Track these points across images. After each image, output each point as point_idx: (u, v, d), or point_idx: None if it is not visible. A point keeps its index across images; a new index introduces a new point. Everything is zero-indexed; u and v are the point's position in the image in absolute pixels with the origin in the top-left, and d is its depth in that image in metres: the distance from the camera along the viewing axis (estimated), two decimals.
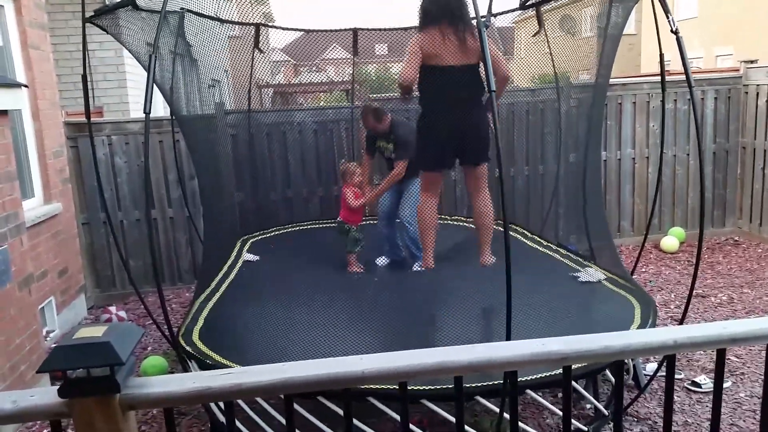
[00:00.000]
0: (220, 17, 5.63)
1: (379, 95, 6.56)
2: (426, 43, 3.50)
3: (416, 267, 4.88)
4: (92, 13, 3.85)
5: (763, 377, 1.50)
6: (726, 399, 3.60)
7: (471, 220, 5.78)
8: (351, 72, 7.18)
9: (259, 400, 2.99)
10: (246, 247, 5.63)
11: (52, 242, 5.07)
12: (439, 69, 3.46)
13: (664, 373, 3.34)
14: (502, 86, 3.67)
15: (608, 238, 4.83)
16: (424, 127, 3.61)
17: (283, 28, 6.64)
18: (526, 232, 5.48)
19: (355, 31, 6.61)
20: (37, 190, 5.11)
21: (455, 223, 6.09)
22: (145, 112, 3.06)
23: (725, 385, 3.76)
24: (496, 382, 2.75)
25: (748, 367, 3.97)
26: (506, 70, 3.61)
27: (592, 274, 4.29)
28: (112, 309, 5.60)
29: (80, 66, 3.89)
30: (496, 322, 3.33)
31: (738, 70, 6.88)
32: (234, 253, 5.37)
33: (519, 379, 2.71)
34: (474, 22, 3.67)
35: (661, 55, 3.94)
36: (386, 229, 5.15)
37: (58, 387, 1.25)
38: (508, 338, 2.62)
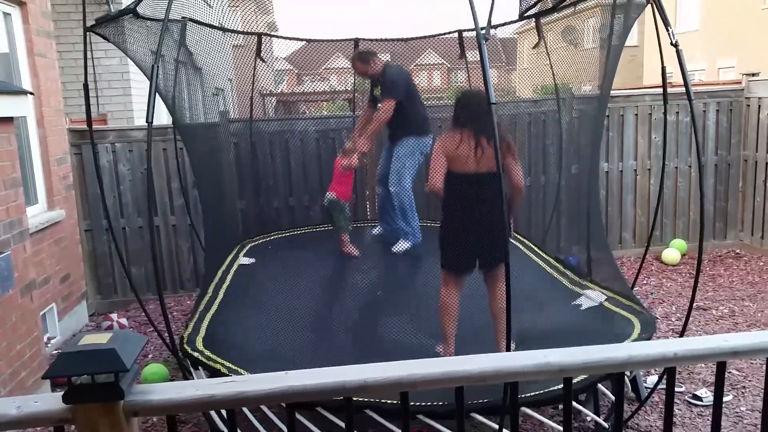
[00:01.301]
0: (223, 26, 5.67)
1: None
2: (450, 147, 3.49)
3: (399, 247, 4.78)
4: (94, 22, 3.88)
5: (764, 391, 1.50)
6: (727, 413, 3.59)
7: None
8: (353, 81, 7.21)
9: (263, 407, 3.00)
10: (243, 251, 5.64)
11: (54, 249, 5.09)
12: (462, 177, 3.43)
13: (664, 386, 3.34)
14: (518, 196, 3.65)
15: (607, 251, 4.81)
16: (447, 231, 3.61)
17: (286, 38, 6.68)
18: (527, 242, 5.48)
19: (356, 42, 6.65)
20: (40, 196, 5.13)
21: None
22: (147, 121, 3.08)
23: (726, 398, 3.75)
24: (493, 399, 2.75)
25: (750, 380, 3.96)
26: (521, 180, 3.59)
27: (592, 297, 4.26)
28: (114, 316, 5.60)
29: (84, 74, 3.91)
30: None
31: (740, 82, 6.90)
32: (230, 258, 5.38)
33: (522, 395, 2.74)
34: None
35: (663, 68, 3.96)
36: (382, 191, 5.07)
37: (62, 393, 1.26)
38: (507, 350, 2.62)
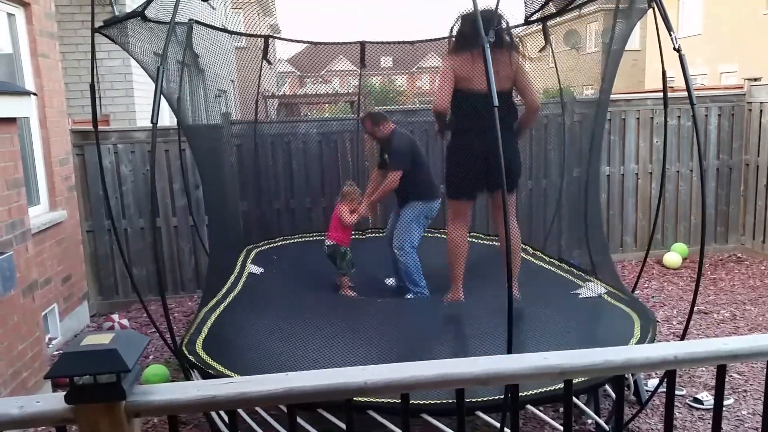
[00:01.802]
0: (228, 29, 5.69)
1: (384, 107, 6.59)
2: (459, 66, 3.40)
3: (408, 296, 4.85)
4: (101, 24, 3.90)
5: (765, 394, 1.50)
6: (728, 416, 3.59)
7: (481, 235, 5.79)
8: (356, 84, 7.23)
9: (260, 411, 3.00)
10: (250, 258, 5.65)
11: (56, 249, 5.10)
12: (471, 94, 3.35)
13: (665, 389, 3.34)
14: (533, 116, 3.61)
15: (606, 255, 4.83)
16: (454, 152, 3.51)
17: (292, 40, 6.70)
18: (528, 247, 5.48)
19: (362, 44, 6.66)
20: (42, 197, 5.14)
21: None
22: (152, 122, 3.09)
23: (727, 402, 3.75)
24: (496, 397, 2.76)
25: (751, 384, 3.96)
26: (536, 100, 3.54)
27: (592, 288, 4.29)
28: (115, 317, 5.61)
29: (88, 74, 3.95)
30: (496, 337, 3.33)
31: (742, 87, 6.91)
32: (239, 264, 5.39)
33: (522, 394, 2.74)
34: (506, 39, 3.67)
35: (664, 72, 3.97)
36: (391, 253, 5.09)
37: (64, 393, 1.27)
38: (509, 352, 2.62)
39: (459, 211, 3.51)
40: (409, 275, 4.83)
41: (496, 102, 2.68)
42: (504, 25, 3.67)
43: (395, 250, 4.89)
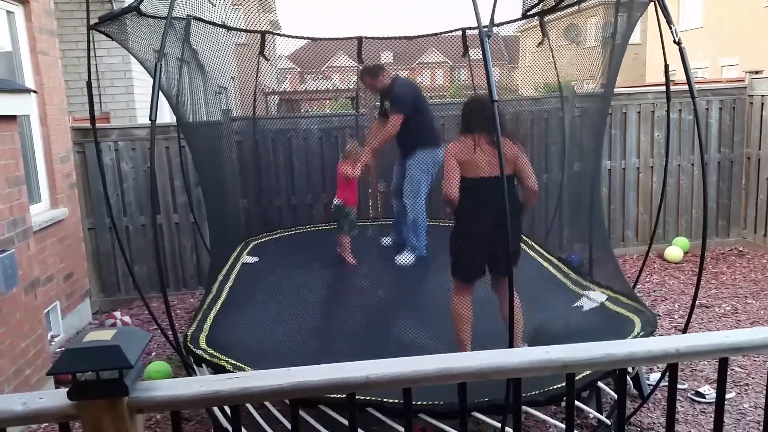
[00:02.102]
0: (227, 24, 5.68)
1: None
2: (461, 152, 3.45)
3: (402, 259, 4.80)
4: (97, 20, 3.89)
5: (767, 387, 1.51)
6: (730, 410, 3.59)
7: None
8: (356, 80, 7.22)
9: (267, 404, 3.01)
10: (247, 250, 5.65)
11: (58, 247, 5.10)
12: (472, 182, 3.39)
13: (667, 383, 3.34)
14: (533, 199, 3.63)
15: (608, 249, 4.82)
16: (460, 237, 3.57)
17: (290, 36, 6.69)
18: (529, 241, 5.48)
19: (360, 40, 6.65)
20: (43, 194, 5.15)
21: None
22: (150, 119, 3.09)
23: (729, 396, 3.75)
24: (496, 399, 2.76)
25: (753, 378, 3.96)
26: (535, 183, 3.56)
27: (592, 297, 4.26)
28: (117, 314, 5.62)
29: (87, 72, 3.92)
30: (497, 336, 3.33)
31: (743, 80, 6.89)
32: (233, 256, 5.39)
33: (524, 394, 2.74)
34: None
35: (666, 66, 3.95)
36: (397, 205, 5.07)
37: (67, 389, 1.27)
38: (510, 347, 2.62)
39: (463, 288, 3.57)
40: (416, 225, 4.83)
41: (495, 96, 2.67)
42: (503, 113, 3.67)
43: (405, 201, 4.86)
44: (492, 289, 3.59)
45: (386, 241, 5.13)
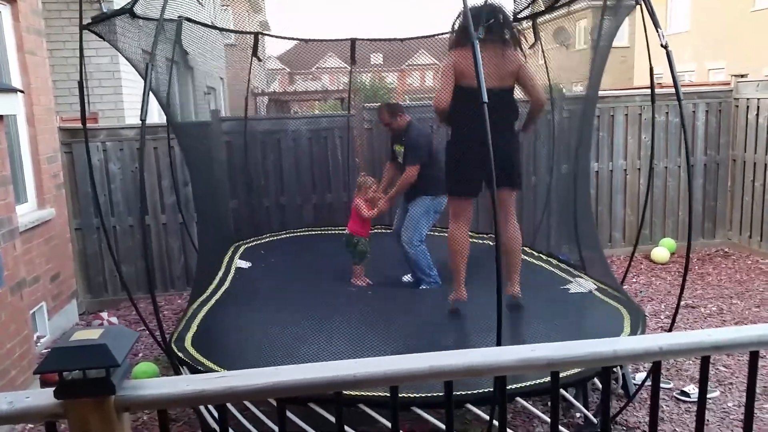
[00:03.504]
0: (217, 26, 5.67)
1: (373, 104, 6.60)
2: (458, 61, 3.36)
3: (423, 286, 4.87)
4: (89, 20, 3.88)
5: (747, 385, 1.53)
6: (714, 408, 3.63)
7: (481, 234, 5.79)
8: (346, 81, 7.23)
9: (251, 407, 3.01)
10: (238, 254, 5.65)
11: (44, 247, 5.07)
12: (470, 90, 3.23)
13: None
14: (538, 112, 3.59)
15: (597, 248, 4.87)
16: (453, 149, 3.49)
17: (282, 38, 6.69)
18: None
19: (353, 41, 6.66)
20: (30, 195, 5.11)
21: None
22: (141, 119, 3.08)
23: (714, 395, 3.79)
24: (486, 390, 2.78)
25: (737, 377, 4.00)
26: (542, 95, 3.52)
27: (582, 284, 4.33)
28: (104, 315, 5.59)
29: (76, 72, 3.92)
30: (485, 332, 3.36)
31: (729, 83, 6.96)
32: (226, 260, 5.39)
33: (511, 387, 2.77)
34: (506, 36, 3.63)
35: (651, 69, 4.00)
36: (400, 247, 5.09)
37: (53, 389, 1.27)
38: (498, 345, 2.64)
39: (460, 209, 3.50)
40: (420, 268, 4.86)
41: (485, 98, 2.69)
42: (503, 20, 3.65)
43: (404, 246, 4.90)
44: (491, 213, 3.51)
45: (407, 278, 5.14)
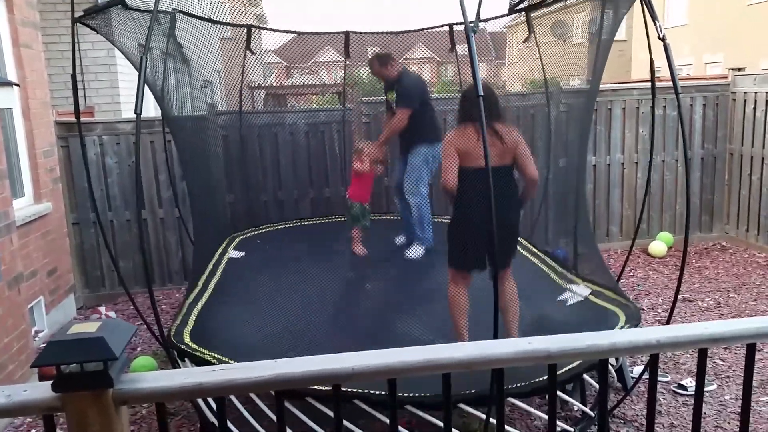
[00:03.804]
0: (212, 18, 5.64)
1: (370, 98, 6.59)
2: (460, 141, 3.39)
3: (412, 253, 4.86)
4: (81, 13, 3.85)
5: (744, 377, 1.54)
6: (711, 402, 3.65)
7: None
8: (343, 74, 7.21)
9: (255, 399, 3.01)
10: (233, 245, 5.65)
11: (41, 242, 5.06)
12: (473, 170, 3.31)
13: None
14: (533, 188, 3.62)
15: (593, 245, 4.86)
16: (457, 226, 3.55)
17: (276, 30, 6.66)
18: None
19: (347, 34, 6.64)
20: (27, 189, 5.10)
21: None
22: (136, 113, 3.07)
23: (711, 388, 3.80)
24: (481, 390, 2.78)
25: (734, 370, 4.02)
26: (535, 172, 3.54)
27: (577, 291, 4.30)
28: (102, 309, 5.59)
29: (71, 65, 3.88)
30: (482, 328, 3.35)
31: (726, 77, 6.96)
32: (219, 251, 5.38)
33: (508, 387, 2.77)
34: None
35: (652, 62, 3.99)
36: (400, 202, 5.10)
37: (51, 382, 1.27)
38: (495, 338, 2.65)
39: (459, 277, 3.56)
40: (420, 218, 4.89)
41: (480, 91, 2.69)
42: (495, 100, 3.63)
43: (408, 196, 4.91)
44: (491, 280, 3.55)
45: (400, 239, 5.13)
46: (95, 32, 3.99)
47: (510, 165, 3.50)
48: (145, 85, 3.26)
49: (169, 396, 1.36)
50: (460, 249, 3.53)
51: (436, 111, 5.22)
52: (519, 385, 2.86)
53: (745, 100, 6.60)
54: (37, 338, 4.76)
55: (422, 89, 4.98)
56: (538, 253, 5.20)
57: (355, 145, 5.39)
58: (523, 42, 5.79)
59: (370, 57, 5.20)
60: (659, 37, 3.07)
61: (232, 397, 2.96)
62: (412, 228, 5.17)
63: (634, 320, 3.65)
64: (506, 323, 3.53)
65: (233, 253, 5.34)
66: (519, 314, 3.60)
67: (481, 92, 2.70)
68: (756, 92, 6.43)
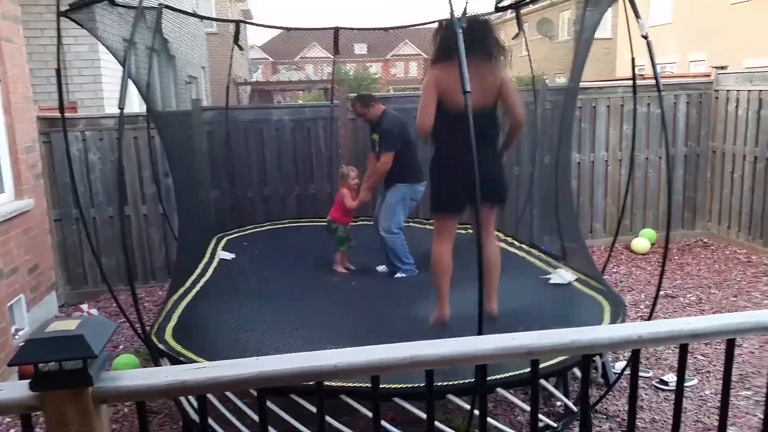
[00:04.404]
0: (198, 14, 5.60)
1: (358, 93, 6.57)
2: (443, 79, 3.28)
3: (399, 275, 4.91)
4: (67, 7, 3.80)
5: (723, 372, 1.55)
6: (692, 396, 3.69)
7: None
8: (330, 71, 7.19)
9: (232, 398, 3.00)
10: (221, 245, 5.62)
11: (23, 238, 4.99)
12: (453, 107, 3.21)
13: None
14: (518, 132, 3.57)
15: (579, 238, 4.90)
16: (437, 167, 3.46)
17: (264, 26, 6.63)
18: (500, 234, 5.53)
19: (336, 30, 6.61)
20: (8, 185, 5.03)
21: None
22: (119, 108, 3.04)
23: (692, 383, 3.85)
24: (467, 381, 2.79)
25: (714, 365, 4.06)
26: (521, 115, 3.49)
27: (562, 275, 4.36)
28: (84, 307, 5.53)
29: (54, 60, 3.83)
30: (467, 321, 3.36)
31: (709, 75, 7.03)
32: (209, 251, 5.35)
33: (493, 377, 2.78)
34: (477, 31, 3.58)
35: (633, 60, 4.02)
36: (378, 235, 5.11)
37: (29, 380, 1.25)
38: (479, 334, 2.65)
39: (443, 226, 3.49)
40: (396, 256, 4.92)
41: (467, 87, 2.68)
42: (486, 30, 3.60)
43: (381, 233, 4.95)
44: (472, 227, 3.48)
45: (382, 268, 5.16)
46: (80, 27, 3.94)
47: (492, 107, 3.41)
48: (129, 81, 3.23)
49: (150, 394, 1.34)
50: (443, 191, 3.46)
51: (417, 153, 5.20)
52: (504, 375, 2.86)
53: (727, 99, 6.66)
54: (17, 336, 4.70)
55: (403, 129, 5.04)
56: (523, 246, 5.23)
57: (340, 169, 5.41)
58: (512, 39, 5.81)
59: (351, 99, 5.25)
60: (642, 35, 3.08)
61: (213, 398, 2.94)
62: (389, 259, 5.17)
63: (618, 307, 3.69)
64: (488, 283, 3.40)
65: (224, 255, 5.32)
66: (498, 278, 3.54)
67: (468, 88, 2.69)
68: (738, 90, 6.50)
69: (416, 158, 5.07)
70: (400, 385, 2.77)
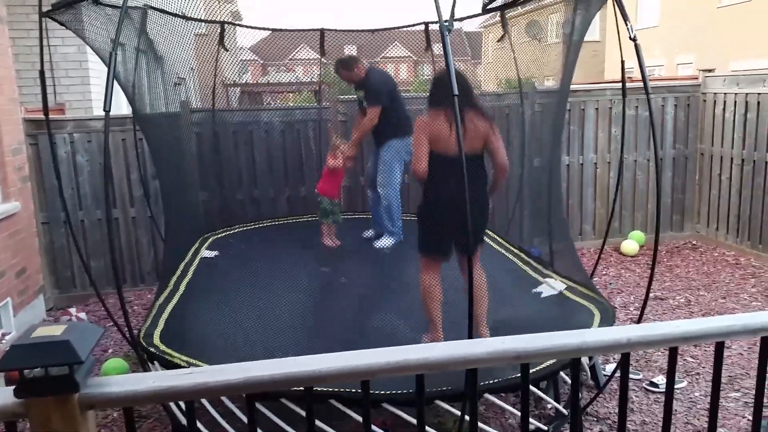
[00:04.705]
0: (185, 14, 5.56)
1: (347, 96, 6.56)
2: (434, 126, 3.35)
3: (381, 243, 4.92)
4: (50, 7, 3.76)
5: (713, 374, 1.56)
6: (682, 398, 3.70)
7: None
8: (319, 72, 7.18)
9: (225, 400, 2.98)
10: (206, 245, 5.60)
11: (9, 242, 4.94)
12: (447, 156, 3.29)
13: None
14: (503, 177, 3.62)
15: (569, 242, 4.91)
16: (426, 212, 3.53)
17: (251, 27, 6.60)
18: (490, 233, 5.54)
19: (322, 32, 6.61)
20: None
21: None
22: (105, 110, 3.01)
23: (681, 385, 3.86)
24: (457, 387, 2.79)
25: (704, 367, 4.08)
26: (506, 161, 3.54)
27: (552, 284, 4.34)
28: (72, 311, 5.48)
29: (40, 61, 3.79)
30: (458, 327, 3.36)
31: (697, 78, 7.08)
32: (191, 251, 5.33)
33: (484, 383, 2.78)
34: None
35: (623, 62, 4.04)
36: (372, 194, 5.18)
37: (14, 387, 1.23)
38: (470, 338, 2.65)
39: (430, 265, 3.55)
40: (390, 212, 4.96)
41: (455, 91, 2.68)
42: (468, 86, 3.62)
43: (379, 189, 4.98)
44: (459, 268, 3.55)
45: (368, 233, 5.22)
46: (65, 27, 3.91)
47: (480, 151, 3.48)
48: (116, 82, 3.20)
49: (137, 400, 1.33)
50: (430, 235, 3.51)
51: (407, 107, 5.26)
52: (494, 381, 2.87)
53: (715, 101, 6.71)
54: (4, 341, 4.64)
55: (390, 85, 5.05)
56: (513, 249, 5.24)
57: (333, 139, 5.40)
58: (498, 41, 5.82)
59: (334, 65, 5.24)
60: (630, 38, 3.10)
61: (204, 400, 2.92)
62: (381, 222, 5.23)
63: (608, 316, 3.69)
64: (475, 317, 3.47)
65: (206, 253, 5.29)
66: (489, 307, 3.58)
67: (456, 91, 2.70)
68: (725, 93, 6.55)
69: (405, 113, 5.09)
70: (389, 391, 2.76)
